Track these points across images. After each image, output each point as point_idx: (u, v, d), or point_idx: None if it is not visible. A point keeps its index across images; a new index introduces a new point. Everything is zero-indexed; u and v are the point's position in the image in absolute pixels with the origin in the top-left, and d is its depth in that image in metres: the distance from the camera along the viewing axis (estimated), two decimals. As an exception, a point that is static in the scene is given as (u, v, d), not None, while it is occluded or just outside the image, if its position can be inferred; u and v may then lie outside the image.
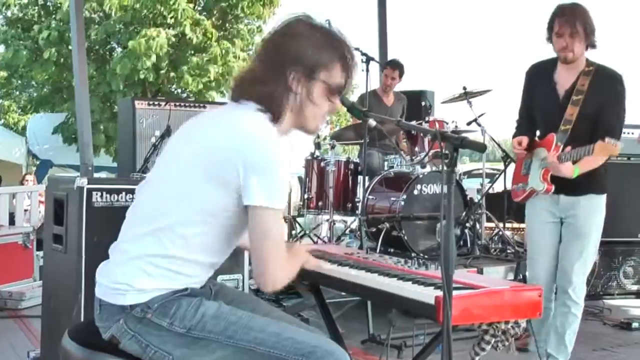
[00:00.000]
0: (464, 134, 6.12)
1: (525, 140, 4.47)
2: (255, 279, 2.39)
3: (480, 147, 2.47)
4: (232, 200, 2.35)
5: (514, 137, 4.60)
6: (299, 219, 8.52)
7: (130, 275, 2.37)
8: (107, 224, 3.95)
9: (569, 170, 4.18)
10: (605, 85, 4.28)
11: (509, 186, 8.00)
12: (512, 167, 7.90)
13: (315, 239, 7.73)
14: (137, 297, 2.36)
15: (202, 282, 2.53)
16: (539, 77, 4.52)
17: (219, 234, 2.44)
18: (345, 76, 2.53)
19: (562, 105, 4.33)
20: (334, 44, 2.51)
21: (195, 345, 2.34)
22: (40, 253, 6.85)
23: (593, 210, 4.38)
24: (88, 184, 4.00)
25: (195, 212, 2.36)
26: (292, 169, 2.42)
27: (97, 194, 4.03)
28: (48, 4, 18.97)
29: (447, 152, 2.34)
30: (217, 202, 2.36)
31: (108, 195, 4.06)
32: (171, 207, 2.38)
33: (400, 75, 8.05)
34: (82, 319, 3.83)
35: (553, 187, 4.33)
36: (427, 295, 2.48)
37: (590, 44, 4.26)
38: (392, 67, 8.03)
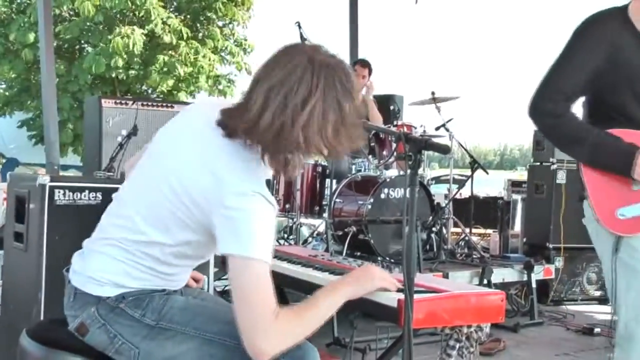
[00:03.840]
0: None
1: None
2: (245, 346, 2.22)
3: (444, 149, 2.46)
4: (205, 237, 2.31)
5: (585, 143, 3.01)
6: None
7: (112, 272, 2.36)
8: (69, 223, 3.90)
9: None
10: None
11: (476, 192, 8.09)
12: (488, 175, 7.98)
13: (282, 241, 7.72)
14: (114, 290, 2.35)
15: (181, 284, 2.57)
16: (620, 31, 3.02)
17: (195, 255, 2.46)
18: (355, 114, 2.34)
19: None
20: (343, 88, 2.31)
21: (162, 336, 2.32)
22: (1, 252, 6.77)
23: None
24: (50, 181, 3.95)
25: (171, 242, 2.34)
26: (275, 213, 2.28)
27: (59, 192, 3.97)
28: (19, 1, 18.80)
29: (410, 153, 2.34)
30: (193, 237, 2.33)
31: (71, 194, 4.00)
32: (148, 232, 2.34)
33: (369, 74, 8.15)
34: (41, 319, 3.78)
35: None
36: (390, 298, 2.48)
37: None
38: (362, 65, 8.14)
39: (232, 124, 2.29)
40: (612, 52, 2.98)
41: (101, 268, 2.37)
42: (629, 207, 3.01)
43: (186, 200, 2.27)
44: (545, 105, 3.05)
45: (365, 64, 8.16)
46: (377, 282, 2.57)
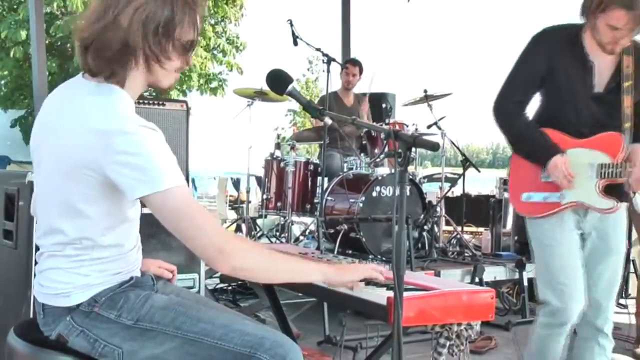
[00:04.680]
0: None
1: (567, 164, 3.43)
2: (209, 264, 2.25)
3: (433, 146, 2.45)
4: (111, 194, 2.25)
5: (521, 138, 3.59)
6: (259, 220, 8.49)
7: (69, 280, 2.32)
8: (59, 220, 3.88)
9: None
10: None
11: (467, 190, 8.10)
12: (480, 173, 8.01)
13: (273, 239, 7.71)
14: (83, 295, 2.31)
15: (137, 265, 2.51)
16: (563, 47, 3.46)
17: (118, 220, 2.36)
18: (195, 31, 2.40)
19: (602, 96, 3.46)
20: None
21: (143, 336, 2.30)
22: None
23: (623, 221, 3.60)
24: (40, 178, 3.93)
25: (88, 221, 2.28)
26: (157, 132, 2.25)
27: (49, 189, 3.95)
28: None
29: (400, 150, 2.33)
30: (99, 201, 2.26)
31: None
32: (63, 226, 2.30)
33: (360, 72, 8.18)
34: (31, 317, 3.76)
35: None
36: (379, 296, 2.47)
37: None
38: (353, 64, 8.17)
39: (84, 60, 2.31)
40: (554, 65, 3.45)
41: (57, 282, 2.33)
42: (533, 193, 3.56)
43: (80, 173, 2.21)
44: (504, 108, 3.57)
45: (355, 62, 8.18)
46: (358, 275, 2.55)
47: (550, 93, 3.55)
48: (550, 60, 3.45)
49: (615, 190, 3.44)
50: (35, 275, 2.46)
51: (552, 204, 3.50)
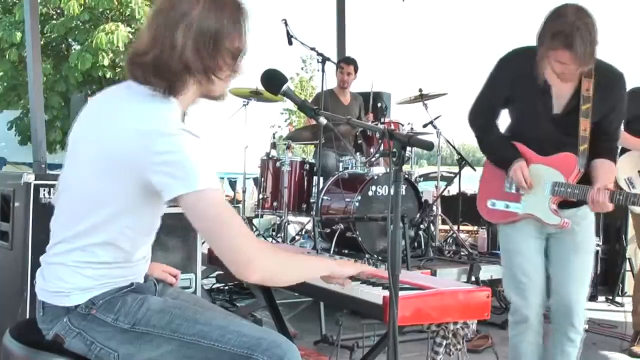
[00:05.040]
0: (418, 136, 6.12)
1: (526, 169, 3.66)
2: (236, 273, 2.24)
3: (427, 146, 2.46)
4: (140, 196, 2.27)
5: (491, 146, 3.87)
6: (255, 220, 8.47)
7: (72, 280, 2.32)
8: (54, 221, 3.88)
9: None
10: (610, 87, 3.60)
11: (463, 189, 8.10)
12: (476, 172, 7.98)
13: (269, 239, 7.70)
14: (82, 297, 2.31)
15: (142, 275, 2.51)
16: (525, 70, 3.57)
17: (140, 225, 2.37)
18: (244, 37, 2.41)
19: (560, 117, 3.62)
20: (230, 7, 2.37)
21: (139, 340, 2.29)
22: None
23: (590, 220, 3.76)
24: (35, 179, 3.94)
25: (111, 216, 2.28)
26: (205, 141, 2.27)
27: (44, 190, 3.96)
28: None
29: (395, 150, 2.33)
30: (128, 200, 2.27)
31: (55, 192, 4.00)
32: (85, 216, 2.30)
33: (355, 71, 8.16)
34: (27, 317, 3.76)
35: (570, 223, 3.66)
36: (375, 295, 2.48)
37: None
38: (347, 63, 8.15)
39: (134, 68, 2.32)
40: (516, 88, 3.66)
41: (59, 279, 2.33)
42: (497, 201, 3.82)
43: (116, 169, 2.22)
44: (477, 120, 3.84)
45: (350, 61, 8.17)
46: (357, 269, 2.60)
47: (514, 113, 3.80)
48: (513, 84, 3.67)
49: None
50: (36, 269, 2.46)
51: (511, 213, 3.76)
